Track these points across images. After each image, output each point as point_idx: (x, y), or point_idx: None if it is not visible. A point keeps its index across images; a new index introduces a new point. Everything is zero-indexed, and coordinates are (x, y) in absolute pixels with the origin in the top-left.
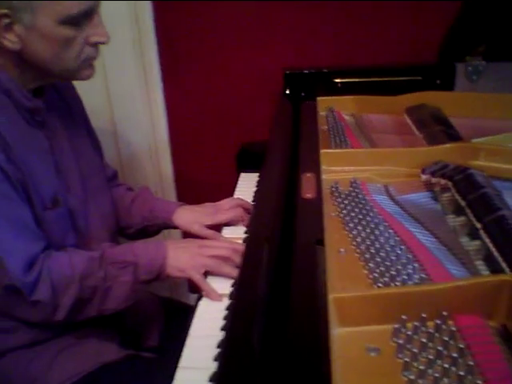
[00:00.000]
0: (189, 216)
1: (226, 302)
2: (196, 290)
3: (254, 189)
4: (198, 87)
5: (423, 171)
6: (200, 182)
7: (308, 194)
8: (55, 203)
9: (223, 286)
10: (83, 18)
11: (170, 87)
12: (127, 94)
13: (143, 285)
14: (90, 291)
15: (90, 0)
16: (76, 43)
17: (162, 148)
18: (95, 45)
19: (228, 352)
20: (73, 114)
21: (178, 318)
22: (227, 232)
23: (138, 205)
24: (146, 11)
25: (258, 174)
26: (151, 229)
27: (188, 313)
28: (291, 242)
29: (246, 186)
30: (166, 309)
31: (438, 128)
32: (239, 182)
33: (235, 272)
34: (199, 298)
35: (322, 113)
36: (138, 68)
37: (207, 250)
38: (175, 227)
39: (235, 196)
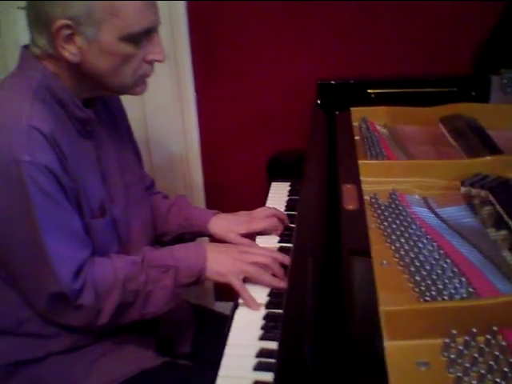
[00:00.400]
0: (224, 224)
1: (263, 311)
2: (230, 298)
3: (286, 198)
4: (230, 96)
5: (463, 183)
6: (230, 191)
7: (350, 205)
8: (103, 212)
9: (259, 296)
10: (143, 36)
11: (203, 96)
12: (160, 102)
13: (183, 288)
14: (131, 295)
15: (152, 19)
16: (134, 60)
17: (193, 157)
18: (151, 62)
19: (281, 365)
20: (118, 124)
21: (209, 325)
22: (260, 241)
23: (174, 213)
24: (181, 22)
25: (289, 183)
26: (187, 236)
27: (218, 320)
28: (337, 254)
29: (278, 196)
30: (197, 316)
31: (475, 139)
32: (270, 191)
33: (274, 281)
34: (235, 307)
35: (354, 123)
36: (172, 76)
37: (248, 257)
38: (210, 235)
39: (267, 205)
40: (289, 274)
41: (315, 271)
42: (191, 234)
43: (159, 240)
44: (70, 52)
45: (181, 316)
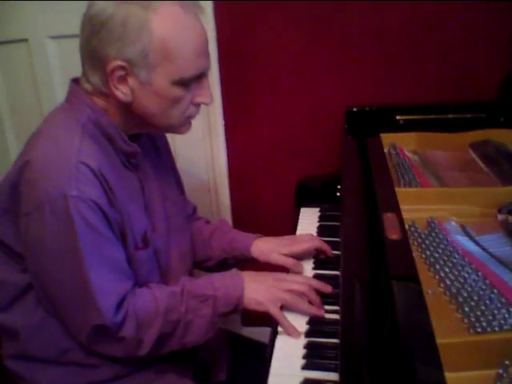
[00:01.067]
0: (266, 246)
1: (304, 340)
2: (256, 323)
3: (317, 224)
4: (258, 122)
5: (500, 211)
6: (258, 218)
7: (393, 234)
8: (146, 243)
9: (298, 324)
10: (194, 81)
11: (231, 123)
12: None
13: (221, 317)
14: (171, 325)
15: (204, 65)
16: (183, 102)
17: (221, 184)
18: (198, 105)
19: None
20: (161, 154)
21: (242, 352)
22: None
23: (217, 237)
24: (211, 53)
25: (318, 208)
26: (230, 261)
27: (250, 346)
28: (387, 283)
29: (308, 221)
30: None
31: (507, 165)
32: (300, 217)
33: (312, 309)
34: (274, 335)
35: (384, 149)
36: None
37: (284, 284)
38: (253, 259)
39: (298, 231)
40: (341, 304)
41: (367, 301)
42: (234, 259)
43: (202, 265)
44: (122, 92)
45: (216, 343)
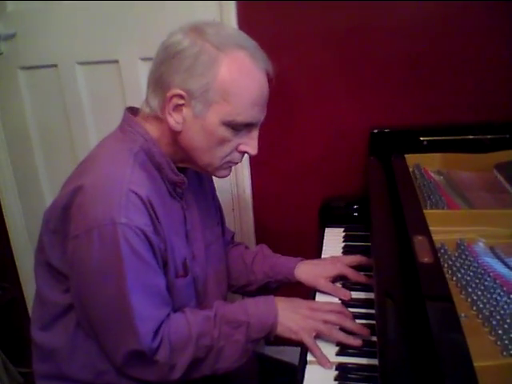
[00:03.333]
0: (310, 269)
1: (335, 360)
2: (280, 342)
3: (342, 244)
4: (282, 142)
5: None
6: (281, 239)
7: (425, 258)
8: (186, 271)
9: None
10: (244, 127)
11: None
12: None
13: (254, 343)
14: (204, 350)
15: (258, 116)
16: (228, 145)
17: (245, 205)
18: (242, 153)
19: None
20: (203, 185)
21: (268, 371)
22: (321, 299)
23: (259, 261)
24: None
25: (342, 228)
26: (272, 285)
27: (278, 367)
28: (422, 307)
29: (333, 241)
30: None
31: None
32: (325, 237)
33: (349, 339)
34: (305, 362)
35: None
36: None
37: (319, 315)
38: (297, 282)
39: (324, 251)
40: (377, 326)
41: (403, 322)
42: (277, 283)
43: (244, 290)
44: (174, 120)
45: (246, 365)
